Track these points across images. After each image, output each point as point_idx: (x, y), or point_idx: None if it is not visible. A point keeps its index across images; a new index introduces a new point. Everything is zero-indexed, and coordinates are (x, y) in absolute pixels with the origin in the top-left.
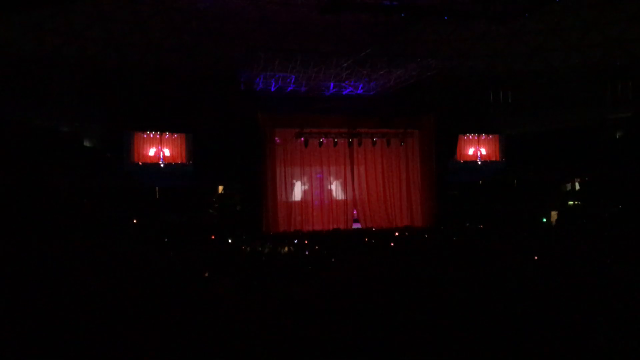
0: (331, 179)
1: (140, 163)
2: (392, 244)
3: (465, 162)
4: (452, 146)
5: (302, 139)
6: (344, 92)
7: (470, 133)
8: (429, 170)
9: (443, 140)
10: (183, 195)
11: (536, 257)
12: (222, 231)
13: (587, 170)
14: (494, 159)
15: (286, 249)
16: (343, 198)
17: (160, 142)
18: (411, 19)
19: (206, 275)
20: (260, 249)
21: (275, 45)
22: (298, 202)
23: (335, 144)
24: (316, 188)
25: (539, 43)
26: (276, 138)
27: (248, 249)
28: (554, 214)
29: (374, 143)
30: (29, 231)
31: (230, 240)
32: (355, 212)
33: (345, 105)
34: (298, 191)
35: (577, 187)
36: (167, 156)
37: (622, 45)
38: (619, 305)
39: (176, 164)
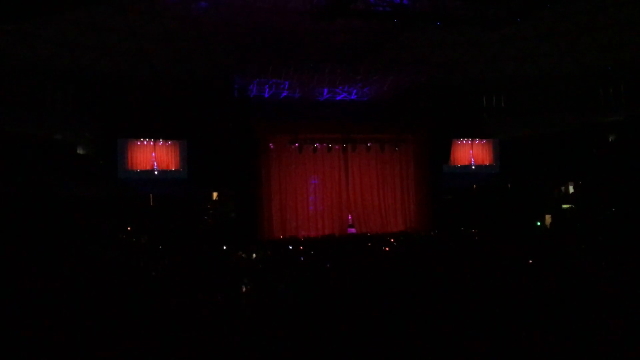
0: (326, 184)
1: (135, 170)
2: (387, 249)
3: (459, 166)
4: (446, 151)
5: (296, 144)
6: (337, 98)
7: (463, 138)
8: (423, 175)
9: (437, 145)
10: (177, 202)
11: (530, 261)
12: (217, 238)
13: (581, 174)
14: (487, 163)
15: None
16: (338, 204)
17: (154, 149)
18: (404, 25)
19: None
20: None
21: (268, 52)
22: (293, 208)
23: (330, 149)
24: (311, 194)
25: (532, 48)
26: (270, 144)
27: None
28: (548, 218)
29: (368, 149)
30: (21, 239)
31: (225, 247)
32: (350, 217)
33: (339, 111)
34: (293, 197)
35: (571, 190)
36: (161, 163)
37: (614, 50)
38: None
39: (170, 171)
